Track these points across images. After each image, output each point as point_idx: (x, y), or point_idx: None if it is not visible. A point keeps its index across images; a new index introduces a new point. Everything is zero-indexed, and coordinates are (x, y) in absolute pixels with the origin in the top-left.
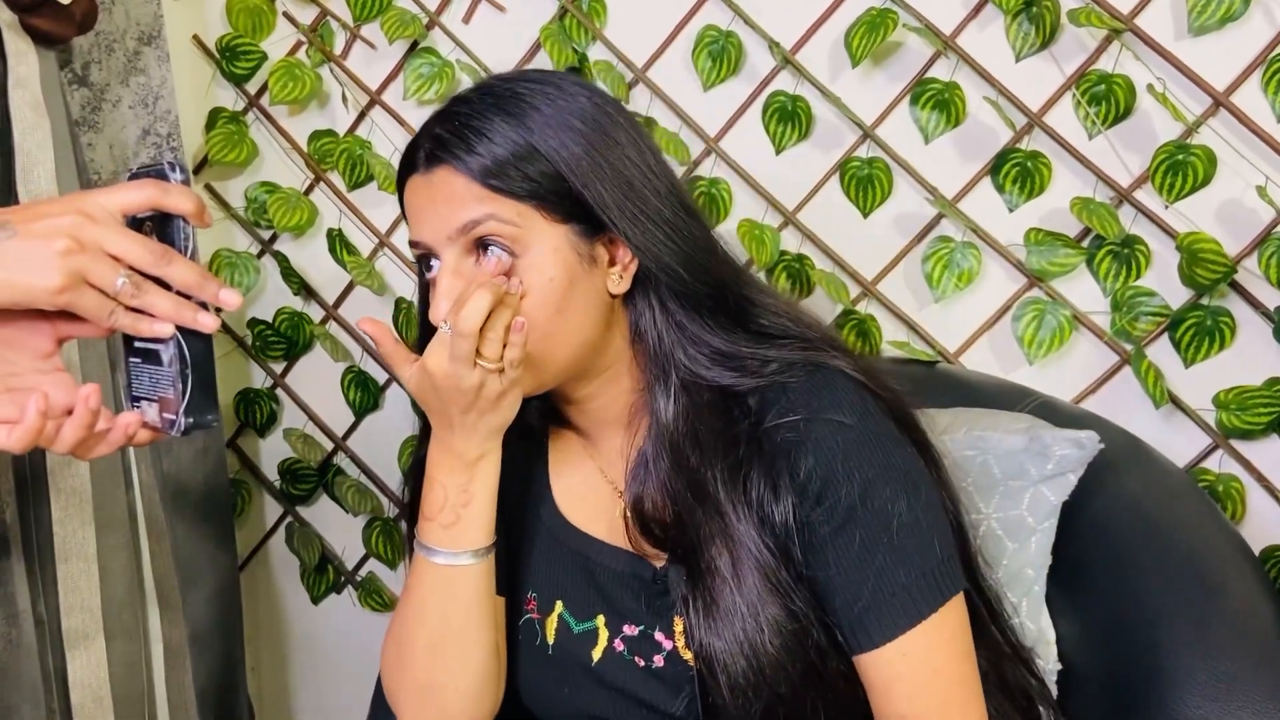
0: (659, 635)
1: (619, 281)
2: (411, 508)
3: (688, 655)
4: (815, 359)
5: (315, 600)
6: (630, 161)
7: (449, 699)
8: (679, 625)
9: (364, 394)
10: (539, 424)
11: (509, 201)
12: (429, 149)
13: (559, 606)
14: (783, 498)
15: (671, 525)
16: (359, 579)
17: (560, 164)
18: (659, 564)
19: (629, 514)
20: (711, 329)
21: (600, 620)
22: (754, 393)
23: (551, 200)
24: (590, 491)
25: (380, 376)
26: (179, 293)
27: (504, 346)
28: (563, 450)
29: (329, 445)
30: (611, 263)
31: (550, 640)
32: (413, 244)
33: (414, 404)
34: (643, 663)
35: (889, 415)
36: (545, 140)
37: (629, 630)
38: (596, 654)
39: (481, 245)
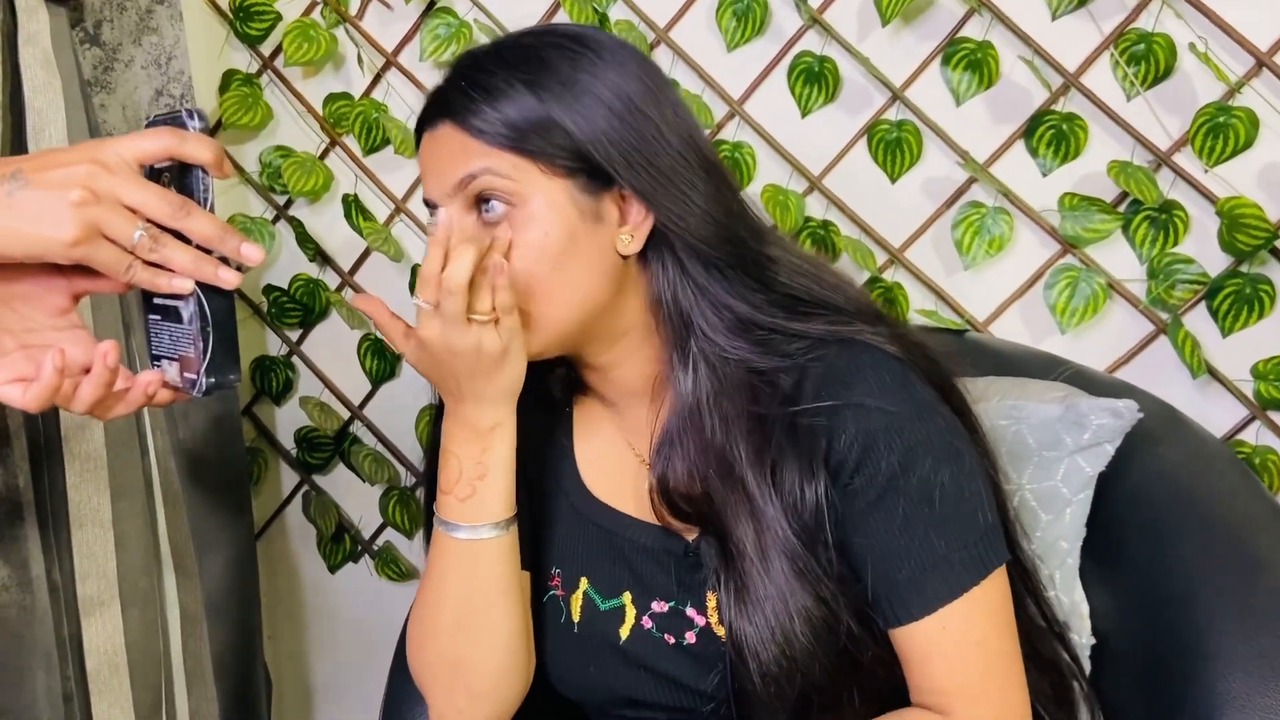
0: (691, 611)
1: (629, 242)
2: (429, 484)
3: (721, 631)
4: (848, 335)
5: (332, 569)
6: (643, 114)
7: (476, 677)
8: (712, 601)
9: (381, 362)
10: (562, 394)
11: (504, 155)
12: (434, 106)
13: (584, 583)
14: (817, 477)
15: (701, 501)
16: (376, 548)
17: (565, 119)
18: (690, 537)
19: (655, 490)
20: (731, 292)
21: (627, 597)
22: (783, 373)
23: (550, 153)
24: (617, 465)
25: None
26: (199, 247)
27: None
28: (588, 422)
29: (345, 414)
30: (623, 222)
31: (576, 618)
32: (425, 203)
33: None
34: (673, 640)
35: (929, 385)
36: (549, 93)
37: (658, 607)
38: (624, 632)
39: (482, 200)
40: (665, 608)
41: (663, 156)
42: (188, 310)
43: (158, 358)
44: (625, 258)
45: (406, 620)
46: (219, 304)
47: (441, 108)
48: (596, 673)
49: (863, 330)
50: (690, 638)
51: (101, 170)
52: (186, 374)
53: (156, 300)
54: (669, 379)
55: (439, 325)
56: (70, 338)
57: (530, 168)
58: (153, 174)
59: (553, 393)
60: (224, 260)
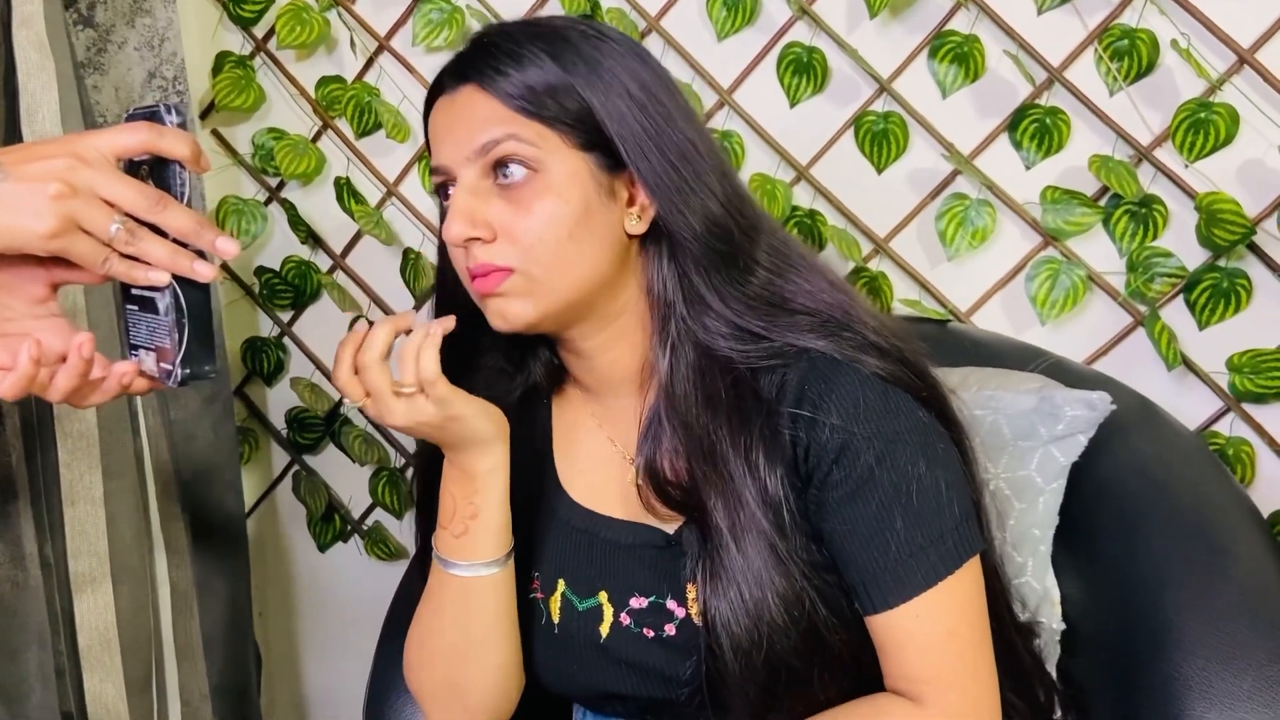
0: (671, 604)
1: (636, 222)
2: (418, 502)
3: (700, 622)
4: (826, 349)
5: (322, 548)
6: (659, 102)
7: (472, 696)
8: (692, 592)
9: None
10: (544, 381)
11: (530, 123)
12: (457, 67)
13: (561, 585)
14: (794, 473)
15: (686, 485)
16: (365, 528)
17: (589, 94)
18: (672, 529)
19: (642, 477)
20: (716, 292)
21: (603, 596)
22: (762, 375)
23: (574, 127)
24: (599, 463)
25: None
26: (177, 240)
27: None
28: (568, 418)
29: (336, 395)
30: (631, 202)
31: (555, 620)
32: (433, 171)
33: None
34: (652, 633)
35: (909, 393)
36: (575, 67)
37: (636, 603)
38: (604, 630)
39: (500, 166)
40: (645, 603)
41: (671, 149)
42: (164, 302)
43: (135, 347)
44: (631, 238)
45: (393, 598)
46: (195, 297)
47: (466, 72)
48: (579, 670)
49: (843, 345)
50: (670, 630)
51: (80, 164)
52: (163, 364)
53: (134, 291)
54: (654, 367)
55: (373, 407)
56: (48, 326)
57: (554, 137)
58: (131, 168)
59: (536, 382)
60: (200, 254)
